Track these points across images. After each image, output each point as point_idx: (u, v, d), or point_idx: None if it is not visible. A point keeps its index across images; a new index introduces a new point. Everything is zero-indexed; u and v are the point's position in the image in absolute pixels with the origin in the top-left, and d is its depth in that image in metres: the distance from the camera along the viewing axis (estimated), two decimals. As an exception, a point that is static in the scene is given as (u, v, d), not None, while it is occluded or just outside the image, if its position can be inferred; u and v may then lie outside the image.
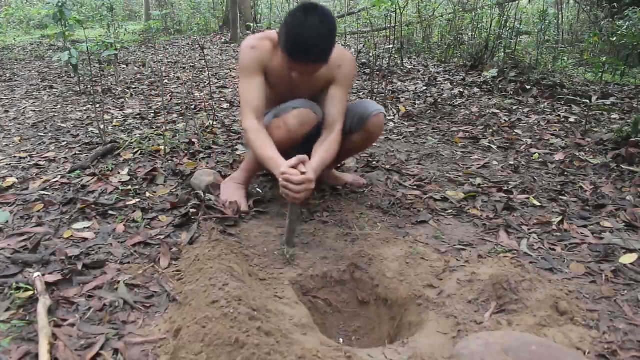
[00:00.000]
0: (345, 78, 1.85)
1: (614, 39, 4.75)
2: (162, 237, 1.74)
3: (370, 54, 5.34)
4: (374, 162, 2.50)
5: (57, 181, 2.23)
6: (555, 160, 2.53)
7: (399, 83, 4.61)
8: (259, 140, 1.73)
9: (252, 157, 2.01)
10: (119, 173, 2.31)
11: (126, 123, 3.28)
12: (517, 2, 5.95)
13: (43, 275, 1.45)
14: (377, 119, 1.97)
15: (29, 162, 2.53)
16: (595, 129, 3.03)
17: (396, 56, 5.54)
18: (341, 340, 1.58)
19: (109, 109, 3.71)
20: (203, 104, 3.71)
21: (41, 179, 2.26)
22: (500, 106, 3.66)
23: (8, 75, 5.50)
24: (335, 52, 1.70)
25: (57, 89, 4.59)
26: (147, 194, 2.09)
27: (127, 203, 2.00)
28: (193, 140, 2.77)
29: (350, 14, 9.98)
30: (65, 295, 1.39)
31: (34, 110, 3.72)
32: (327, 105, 1.85)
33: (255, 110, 1.76)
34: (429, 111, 3.55)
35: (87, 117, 3.46)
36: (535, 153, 2.63)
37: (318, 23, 1.57)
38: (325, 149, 1.77)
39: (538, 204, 2.03)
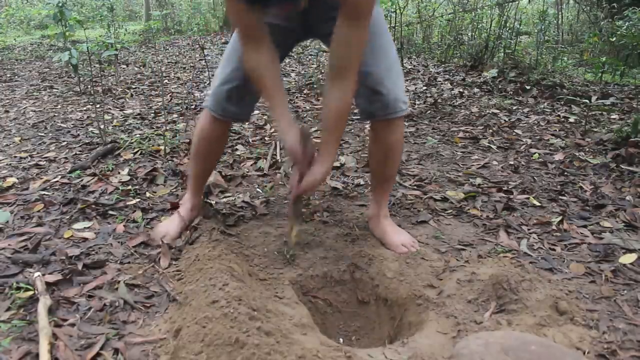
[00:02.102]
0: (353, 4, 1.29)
1: (614, 39, 4.75)
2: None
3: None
4: (374, 162, 2.50)
5: (57, 181, 2.23)
6: (555, 160, 2.54)
7: (399, 83, 4.61)
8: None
9: (191, 171, 1.79)
10: (119, 173, 2.31)
11: (126, 123, 3.29)
12: (517, 2, 5.95)
13: (43, 275, 1.45)
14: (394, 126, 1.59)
15: (29, 162, 2.53)
16: (595, 129, 3.03)
17: (396, 56, 5.54)
18: (341, 340, 1.58)
19: (109, 109, 3.72)
20: (203, 104, 3.71)
21: (41, 179, 2.26)
22: (500, 106, 3.66)
23: (8, 75, 5.50)
24: None
25: (58, 89, 4.59)
26: (147, 194, 2.09)
27: (127, 203, 2.00)
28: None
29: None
30: (66, 295, 1.39)
31: (34, 111, 3.72)
32: (332, 45, 1.37)
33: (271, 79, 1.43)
34: (429, 111, 3.56)
35: (88, 117, 3.46)
36: (535, 153, 2.64)
37: None
38: (336, 114, 1.41)
39: (538, 204, 2.03)
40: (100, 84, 4.52)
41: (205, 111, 1.66)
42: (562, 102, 3.74)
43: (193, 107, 3.75)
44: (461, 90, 4.22)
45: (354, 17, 1.31)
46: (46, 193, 2.09)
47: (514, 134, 3.01)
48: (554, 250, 1.69)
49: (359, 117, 1.87)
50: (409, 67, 5.49)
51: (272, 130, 3.10)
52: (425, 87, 4.42)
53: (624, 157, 2.47)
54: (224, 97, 1.57)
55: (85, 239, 1.73)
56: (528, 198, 2.08)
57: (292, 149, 1.40)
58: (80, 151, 2.68)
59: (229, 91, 1.56)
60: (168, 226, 1.74)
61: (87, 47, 3.33)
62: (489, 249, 1.69)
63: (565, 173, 2.36)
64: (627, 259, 1.60)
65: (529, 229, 1.82)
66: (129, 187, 2.14)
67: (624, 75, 4.59)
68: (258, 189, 2.18)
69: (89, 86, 4.41)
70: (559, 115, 3.41)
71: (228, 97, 1.57)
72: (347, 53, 1.36)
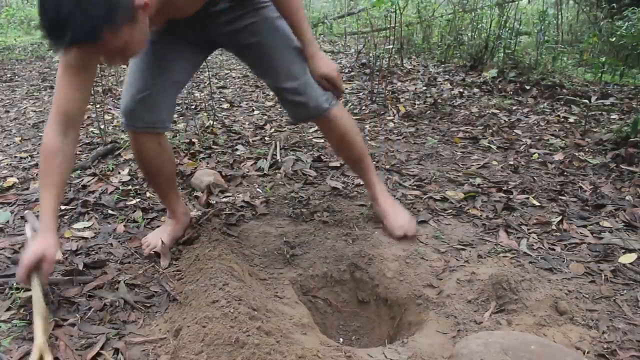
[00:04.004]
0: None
1: (614, 39, 4.74)
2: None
3: (370, 54, 5.34)
4: (374, 162, 2.50)
5: (57, 181, 2.23)
6: (555, 160, 2.54)
7: (399, 83, 4.61)
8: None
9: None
10: (119, 173, 2.31)
11: (126, 123, 3.28)
12: (516, 2, 5.95)
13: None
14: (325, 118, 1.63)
15: (29, 162, 2.53)
16: (595, 129, 3.03)
17: (396, 56, 5.54)
18: (341, 340, 1.58)
19: (110, 109, 3.71)
20: (203, 104, 3.71)
21: (41, 179, 2.26)
22: (499, 106, 3.66)
23: (9, 75, 5.50)
24: None
25: (57, 89, 4.59)
26: (148, 194, 2.09)
27: (128, 203, 2.00)
28: (193, 140, 2.77)
29: (350, 14, 9.98)
30: (66, 295, 1.39)
31: (35, 111, 3.72)
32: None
33: (61, 115, 1.32)
34: (429, 111, 3.56)
35: (88, 117, 3.46)
36: (534, 153, 2.64)
37: None
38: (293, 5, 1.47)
39: (537, 203, 2.03)
40: (100, 84, 4.52)
41: (128, 132, 1.57)
42: (561, 102, 3.74)
43: (193, 107, 3.75)
44: (461, 90, 4.22)
45: None
46: (46, 193, 2.09)
47: (514, 134, 3.01)
48: (553, 250, 1.69)
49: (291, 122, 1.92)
50: (409, 67, 5.49)
51: (272, 130, 3.10)
52: (425, 87, 4.42)
53: (623, 157, 2.47)
54: (137, 107, 1.49)
55: (85, 239, 1.73)
56: (528, 198, 2.08)
57: (35, 253, 1.23)
58: (80, 151, 2.68)
59: (141, 100, 1.48)
60: (157, 237, 1.66)
61: (87, 47, 3.33)
62: (489, 249, 1.70)
63: (565, 173, 2.36)
64: (627, 258, 1.60)
65: (528, 229, 1.82)
66: (129, 187, 2.14)
67: (624, 76, 4.58)
68: (258, 189, 2.19)
69: (89, 86, 4.40)
70: (558, 116, 3.41)
71: (141, 106, 1.49)
72: None
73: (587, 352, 1.20)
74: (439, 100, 3.85)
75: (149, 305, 1.39)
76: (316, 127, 3.12)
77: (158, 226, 1.83)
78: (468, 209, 1.99)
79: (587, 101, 3.14)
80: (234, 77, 5.16)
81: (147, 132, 1.54)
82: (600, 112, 3.45)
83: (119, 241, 1.72)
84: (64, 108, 1.30)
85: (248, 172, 2.37)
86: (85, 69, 1.30)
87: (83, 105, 1.35)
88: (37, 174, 2.34)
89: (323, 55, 1.54)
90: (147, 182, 1.69)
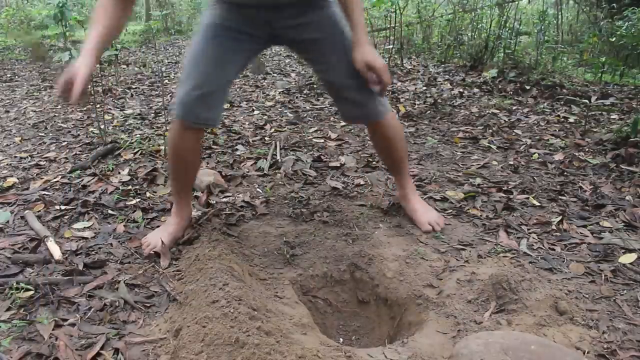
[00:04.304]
0: None
1: (614, 39, 4.74)
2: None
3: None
4: (374, 162, 2.50)
5: (57, 181, 2.23)
6: (555, 160, 2.54)
7: (399, 83, 4.61)
8: None
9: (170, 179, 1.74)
10: (119, 173, 2.31)
11: (127, 123, 3.29)
12: (516, 2, 5.95)
13: (44, 275, 1.46)
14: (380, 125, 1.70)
15: (29, 162, 2.53)
16: (595, 129, 3.03)
17: (396, 56, 5.54)
18: (341, 340, 1.58)
19: (110, 109, 3.72)
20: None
21: (42, 179, 2.26)
22: (499, 106, 3.66)
23: (9, 75, 5.50)
24: None
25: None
26: (148, 194, 2.09)
27: (128, 203, 2.00)
28: (193, 140, 2.77)
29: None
30: (66, 295, 1.39)
31: (35, 111, 3.72)
32: None
33: None
34: (429, 111, 3.56)
35: (88, 117, 3.46)
36: (534, 153, 2.64)
37: None
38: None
39: (537, 203, 2.03)
40: (100, 84, 4.52)
41: (175, 122, 1.57)
42: (561, 102, 3.74)
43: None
44: (461, 90, 4.22)
45: None
46: (46, 193, 2.09)
47: (514, 134, 3.01)
48: (553, 250, 1.69)
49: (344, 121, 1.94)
50: (409, 67, 5.49)
51: (272, 130, 3.10)
52: (425, 87, 4.42)
53: (623, 157, 2.47)
54: (195, 103, 1.50)
55: (85, 239, 1.73)
56: (528, 198, 2.08)
57: (68, 73, 1.32)
58: (80, 151, 2.68)
59: (200, 97, 1.50)
60: (157, 237, 1.65)
61: (87, 47, 3.33)
62: (489, 248, 1.70)
63: (565, 173, 2.36)
64: (627, 258, 1.60)
65: (528, 229, 1.82)
66: (129, 187, 2.14)
67: (624, 75, 4.58)
68: (258, 189, 2.19)
69: (89, 86, 4.40)
70: (558, 116, 3.41)
71: (199, 103, 1.50)
72: None
73: (587, 352, 1.20)
74: (439, 100, 3.85)
75: (149, 305, 1.39)
76: (316, 127, 3.13)
77: (158, 226, 1.83)
78: (468, 209, 1.99)
79: (587, 101, 3.14)
80: (234, 77, 5.15)
81: (195, 128, 1.56)
82: (600, 112, 3.45)
83: (119, 241, 1.72)
84: None
85: (248, 172, 2.37)
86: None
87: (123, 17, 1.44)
88: (37, 174, 2.34)
89: (371, 48, 1.50)
90: (171, 174, 1.70)
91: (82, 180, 2.23)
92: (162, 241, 1.62)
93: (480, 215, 1.94)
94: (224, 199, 2.07)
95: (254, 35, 1.55)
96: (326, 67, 1.60)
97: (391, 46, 5.45)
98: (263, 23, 1.54)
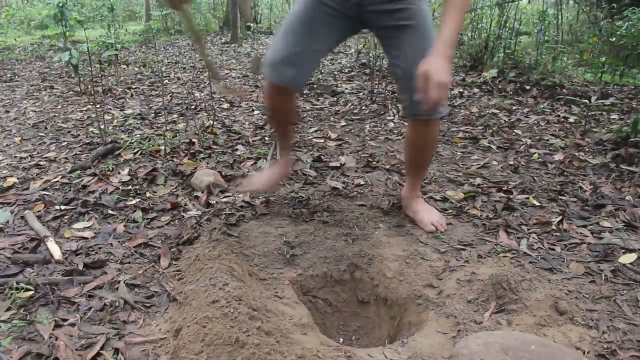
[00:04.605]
0: None
1: (613, 39, 4.74)
2: (162, 237, 1.74)
3: (370, 54, 5.34)
4: (374, 162, 2.50)
5: (57, 181, 2.23)
6: (555, 160, 2.54)
7: (399, 83, 4.61)
8: None
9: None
10: (119, 173, 2.31)
11: (126, 123, 3.29)
12: (516, 2, 5.94)
13: (44, 275, 1.46)
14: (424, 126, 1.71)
15: (29, 162, 2.53)
16: (595, 129, 3.03)
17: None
18: (341, 340, 1.58)
19: (110, 109, 3.72)
20: (203, 104, 3.71)
21: (42, 179, 2.26)
22: (499, 106, 3.66)
23: (9, 75, 5.50)
24: None
25: (58, 89, 4.60)
26: (148, 194, 2.09)
27: (128, 203, 2.00)
28: (193, 140, 2.77)
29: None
30: (66, 295, 1.39)
31: (35, 111, 3.72)
32: None
33: None
34: (429, 111, 3.55)
35: (88, 117, 3.46)
36: (534, 153, 2.64)
37: None
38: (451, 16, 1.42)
39: (537, 203, 2.03)
40: (100, 84, 4.52)
41: (265, 82, 1.77)
42: (561, 102, 3.74)
43: (193, 107, 3.75)
44: (461, 90, 4.22)
45: None
46: (46, 193, 2.09)
47: (514, 134, 3.01)
48: (553, 250, 1.69)
49: (402, 113, 1.98)
50: (409, 67, 5.49)
51: (272, 130, 3.10)
52: (425, 87, 4.42)
53: (623, 157, 2.47)
54: (280, 62, 1.64)
55: (85, 239, 1.73)
56: (528, 198, 2.08)
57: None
58: (80, 151, 2.68)
59: (286, 57, 1.63)
60: (261, 177, 1.94)
61: (88, 47, 3.34)
62: (489, 249, 1.70)
63: (565, 173, 2.36)
64: (627, 258, 1.60)
65: (528, 229, 1.82)
66: (129, 187, 2.14)
67: (624, 76, 4.58)
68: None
69: (89, 86, 4.41)
70: (558, 116, 3.41)
71: (284, 63, 1.63)
72: None
73: (587, 352, 1.20)
74: (439, 100, 3.84)
75: (149, 305, 1.39)
76: (316, 127, 3.13)
77: (158, 226, 1.83)
78: (468, 209, 1.99)
79: (587, 101, 3.14)
80: (234, 77, 5.16)
81: (282, 88, 1.70)
82: (600, 112, 3.45)
83: (119, 241, 1.72)
84: None
85: (248, 172, 2.37)
86: None
87: None
88: (37, 174, 2.34)
89: (444, 62, 1.40)
90: (272, 125, 1.91)
91: (82, 180, 2.23)
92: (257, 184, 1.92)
93: (480, 215, 1.94)
94: (224, 199, 2.07)
95: (345, 15, 1.64)
96: (402, 54, 1.62)
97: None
98: (355, 4, 1.61)
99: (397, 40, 1.63)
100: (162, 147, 2.59)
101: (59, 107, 3.84)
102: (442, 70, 1.38)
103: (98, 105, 3.24)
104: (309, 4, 1.64)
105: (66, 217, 1.89)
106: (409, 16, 1.58)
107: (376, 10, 1.61)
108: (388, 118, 3.43)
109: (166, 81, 4.97)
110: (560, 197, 2.09)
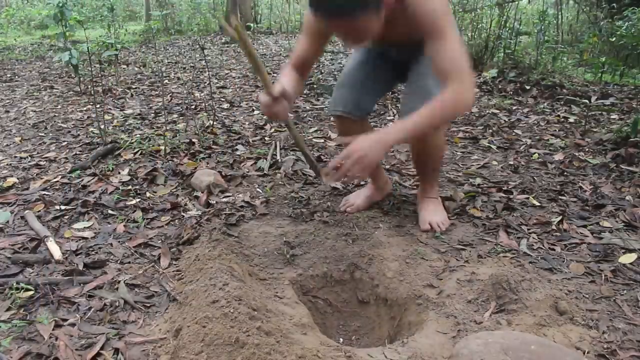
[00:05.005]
0: (424, 23, 1.43)
1: (614, 39, 4.74)
2: (162, 237, 1.74)
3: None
4: (374, 162, 2.50)
5: (57, 181, 2.23)
6: (555, 160, 2.54)
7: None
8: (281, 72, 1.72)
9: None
10: (119, 173, 2.31)
11: (126, 123, 3.29)
12: (516, 2, 5.94)
13: (44, 275, 1.46)
14: None
15: (29, 162, 2.53)
16: (595, 129, 3.03)
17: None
18: (341, 340, 1.58)
19: (110, 109, 3.72)
20: (203, 104, 3.71)
21: (42, 179, 2.26)
22: (499, 106, 3.66)
23: (9, 75, 5.50)
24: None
25: (58, 89, 4.60)
26: (148, 194, 2.09)
27: (128, 203, 2.00)
28: (193, 140, 2.77)
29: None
30: (66, 295, 1.39)
31: (35, 111, 3.72)
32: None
33: (294, 59, 1.68)
34: (429, 111, 3.55)
35: (88, 117, 3.46)
36: (534, 153, 2.64)
37: None
38: (421, 111, 1.42)
39: (537, 203, 2.03)
40: (100, 84, 4.52)
41: (334, 120, 1.92)
42: (561, 102, 3.74)
43: (193, 107, 3.75)
44: (461, 90, 4.21)
45: (428, 36, 1.46)
46: (46, 193, 2.09)
47: (514, 134, 3.01)
48: (553, 250, 1.69)
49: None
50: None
51: (272, 130, 3.10)
52: (425, 87, 4.42)
53: (623, 157, 2.47)
54: (341, 98, 1.81)
55: (85, 239, 1.73)
56: (528, 198, 2.08)
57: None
58: (80, 151, 2.68)
59: (347, 93, 1.80)
60: (356, 197, 1.98)
61: (88, 47, 3.33)
62: (489, 249, 1.70)
63: (565, 173, 2.36)
64: (627, 258, 1.60)
65: (528, 229, 1.82)
66: (129, 187, 2.14)
67: (624, 75, 4.58)
68: (258, 189, 2.19)
69: (89, 86, 4.41)
70: (558, 116, 3.41)
71: (345, 98, 1.81)
72: (437, 68, 1.47)
73: (587, 352, 1.20)
74: (439, 100, 3.85)
75: (149, 305, 1.39)
76: (316, 127, 3.13)
77: (158, 226, 1.83)
78: (468, 209, 1.99)
79: (587, 101, 3.14)
80: (234, 77, 5.16)
81: (347, 118, 1.83)
82: (600, 112, 3.45)
83: (119, 241, 1.72)
84: (299, 57, 1.66)
85: (248, 172, 2.37)
86: (320, 34, 1.63)
87: (314, 56, 1.71)
88: (37, 174, 2.34)
89: (377, 143, 1.40)
90: None
91: (82, 180, 2.23)
92: (357, 202, 1.95)
93: (480, 215, 1.94)
94: (224, 199, 2.07)
95: (394, 68, 1.83)
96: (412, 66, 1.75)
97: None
98: (399, 56, 1.79)
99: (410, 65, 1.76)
100: (162, 147, 2.59)
101: (59, 107, 3.84)
102: (369, 149, 1.37)
103: (98, 105, 3.24)
104: (366, 51, 1.83)
105: (66, 217, 1.89)
106: (421, 53, 1.65)
107: (405, 60, 1.76)
108: (388, 118, 3.43)
109: (166, 81, 4.97)
110: (560, 197, 2.09)
